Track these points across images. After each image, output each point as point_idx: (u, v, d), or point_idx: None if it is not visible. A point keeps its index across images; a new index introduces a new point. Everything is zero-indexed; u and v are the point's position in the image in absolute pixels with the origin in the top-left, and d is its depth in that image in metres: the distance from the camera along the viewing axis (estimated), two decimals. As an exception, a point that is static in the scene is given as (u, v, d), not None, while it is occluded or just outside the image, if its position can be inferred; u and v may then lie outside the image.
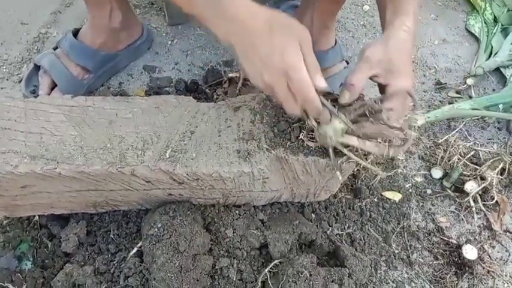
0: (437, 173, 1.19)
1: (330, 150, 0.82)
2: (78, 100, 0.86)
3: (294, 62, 0.70)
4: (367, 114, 0.78)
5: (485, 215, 1.13)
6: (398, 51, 0.80)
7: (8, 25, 1.40)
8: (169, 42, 1.41)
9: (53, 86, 1.18)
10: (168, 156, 0.81)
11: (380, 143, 0.79)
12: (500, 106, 1.28)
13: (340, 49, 1.32)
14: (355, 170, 1.14)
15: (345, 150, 0.80)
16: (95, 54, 1.20)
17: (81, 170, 0.77)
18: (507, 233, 1.12)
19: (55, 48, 1.21)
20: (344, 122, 0.77)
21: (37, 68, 1.20)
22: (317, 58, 0.74)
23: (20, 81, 1.26)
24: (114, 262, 0.92)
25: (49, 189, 0.83)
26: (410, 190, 1.16)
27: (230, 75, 1.30)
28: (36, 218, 0.98)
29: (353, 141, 0.79)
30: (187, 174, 0.81)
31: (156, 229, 0.85)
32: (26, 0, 1.47)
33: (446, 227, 1.11)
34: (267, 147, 0.86)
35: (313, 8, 1.20)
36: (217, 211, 0.94)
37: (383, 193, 1.14)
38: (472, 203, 1.12)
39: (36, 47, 1.35)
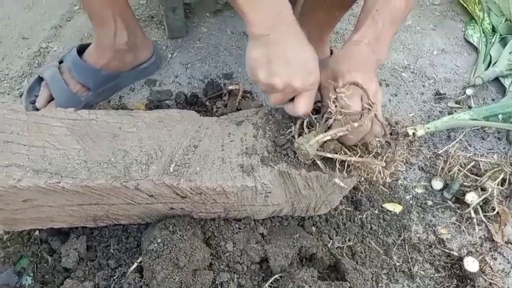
0: (437, 184, 1.19)
1: (318, 162, 0.83)
2: (81, 113, 0.86)
3: (317, 81, 0.80)
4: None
5: (486, 226, 1.14)
6: (365, 61, 0.83)
7: (9, 40, 1.41)
8: (169, 56, 1.41)
9: (51, 99, 1.18)
10: (172, 170, 0.81)
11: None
12: (500, 116, 1.29)
13: None
14: (356, 182, 1.15)
15: (329, 155, 0.81)
16: (97, 73, 1.20)
17: (85, 185, 0.77)
18: (509, 245, 1.12)
19: (60, 62, 1.21)
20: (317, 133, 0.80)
21: (40, 79, 1.20)
22: None
23: (20, 96, 1.26)
24: (114, 278, 0.91)
25: (50, 203, 0.82)
26: (410, 202, 1.16)
27: (230, 87, 1.31)
28: (37, 233, 0.98)
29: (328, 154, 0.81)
30: (190, 189, 0.81)
31: (155, 244, 0.84)
32: (27, 15, 1.48)
33: (447, 238, 1.11)
34: (270, 161, 0.86)
35: (310, 20, 1.21)
36: (217, 225, 0.94)
37: (383, 205, 1.14)
38: (473, 214, 1.12)
39: (37, 61, 1.36)
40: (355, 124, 0.77)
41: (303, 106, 0.80)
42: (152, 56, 1.32)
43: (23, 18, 1.47)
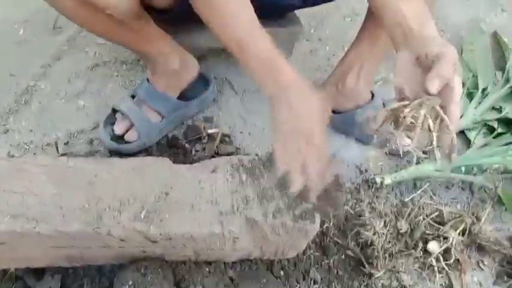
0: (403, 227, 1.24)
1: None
2: (60, 160, 0.92)
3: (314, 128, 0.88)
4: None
5: (447, 274, 1.19)
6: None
7: (-2, 76, 1.46)
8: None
9: (129, 127, 1.27)
10: (143, 217, 0.86)
11: None
12: (463, 168, 1.36)
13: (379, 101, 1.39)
14: (324, 227, 1.20)
15: None
16: (169, 100, 1.31)
17: (59, 230, 0.81)
18: (468, 293, 1.17)
19: (132, 96, 1.31)
20: None
21: (114, 112, 1.31)
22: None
23: (5, 132, 1.31)
24: (87, 317, 0.95)
25: (27, 245, 0.87)
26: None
27: (209, 131, 1.37)
28: (12, 269, 1.01)
29: None
30: (160, 234, 0.86)
31: (127, 286, 0.88)
32: (16, 52, 1.53)
33: (409, 285, 1.16)
34: (238, 209, 0.92)
35: (361, 63, 1.29)
36: (188, 268, 0.98)
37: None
38: (434, 263, 1.18)
39: (24, 99, 1.41)
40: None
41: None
42: (209, 86, 1.42)
43: (13, 55, 1.53)
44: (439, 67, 0.78)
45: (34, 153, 1.27)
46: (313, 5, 1.37)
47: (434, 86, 0.77)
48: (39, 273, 1.01)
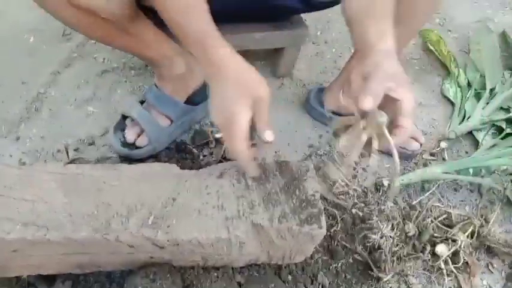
0: (411, 230, 1.24)
1: None
2: (70, 168, 0.93)
3: (237, 115, 0.85)
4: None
5: (456, 277, 1.19)
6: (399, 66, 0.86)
7: (10, 84, 1.48)
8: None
9: (140, 133, 1.29)
10: (150, 223, 0.88)
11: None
12: (471, 170, 1.35)
13: None
14: (332, 231, 1.20)
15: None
16: (177, 104, 1.33)
17: (69, 237, 0.83)
18: (477, 296, 1.17)
19: (141, 102, 1.33)
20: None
21: (124, 118, 1.33)
22: None
23: (17, 140, 1.33)
24: (97, 322, 0.96)
25: (38, 252, 0.88)
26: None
27: (216, 136, 1.38)
28: (25, 276, 1.03)
29: None
30: (167, 240, 0.87)
31: (136, 292, 0.90)
32: (28, 60, 1.56)
33: (418, 289, 1.16)
34: (244, 213, 0.93)
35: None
36: (196, 273, 0.99)
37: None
38: (443, 265, 1.18)
39: (35, 106, 1.43)
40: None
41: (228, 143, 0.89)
42: None
43: (24, 63, 1.56)
44: (368, 84, 0.81)
45: (45, 160, 1.30)
46: (317, 9, 1.37)
47: (366, 104, 0.79)
48: (50, 280, 1.02)
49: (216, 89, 0.89)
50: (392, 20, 0.91)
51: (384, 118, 0.82)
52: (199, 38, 0.89)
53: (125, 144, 1.29)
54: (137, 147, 1.29)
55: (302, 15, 1.50)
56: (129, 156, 1.28)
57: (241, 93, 0.86)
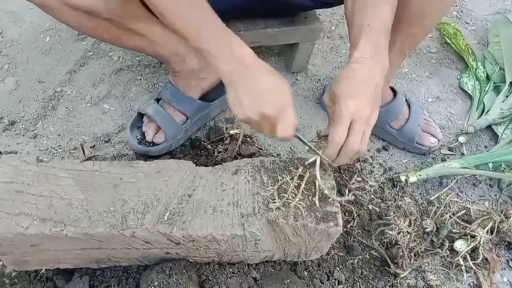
0: (428, 226, 1.22)
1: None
2: (86, 165, 0.94)
3: (289, 101, 0.85)
4: None
5: (475, 273, 1.17)
6: (363, 84, 0.88)
7: (27, 83, 1.50)
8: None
9: (156, 130, 1.30)
10: (166, 219, 0.88)
11: None
12: (490, 165, 1.33)
13: (401, 98, 1.39)
14: (348, 227, 1.19)
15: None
16: (193, 101, 1.33)
17: (85, 232, 0.84)
18: (496, 292, 1.15)
19: (157, 100, 1.34)
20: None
21: (140, 116, 1.34)
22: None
23: (34, 137, 1.35)
24: (114, 317, 0.97)
25: (56, 247, 0.89)
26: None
27: (231, 132, 1.38)
28: (43, 271, 1.04)
29: None
30: (183, 236, 0.87)
31: (152, 287, 0.90)
32: (44, 60, 1.58)
33: (436, 285, 1.14)
34: (259, 210, 0.92)
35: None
36: (211, 269, 0.99)
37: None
38: (462, 262, 1.16)
39: (51, 105, 1.45)
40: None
41: (280, 130, 0.85)
42: None
43: (41, 63, 1.57)
44: (330, 135, 0.87)
45: (62, 158, 1.31)
46: (330, 6, 1.35)
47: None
48: (68, 274, 1.04)
49: (242, 86, 0.85)
50: (377, 28, 0.92)
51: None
52: (217, 36, 0.87)
53: (142, 141, 1.30)
54: (154, 144, 1.29)
55: (316, 10, 1.49)
56: (146, 154, 1.29)
57: (283, 82, 0.87)
